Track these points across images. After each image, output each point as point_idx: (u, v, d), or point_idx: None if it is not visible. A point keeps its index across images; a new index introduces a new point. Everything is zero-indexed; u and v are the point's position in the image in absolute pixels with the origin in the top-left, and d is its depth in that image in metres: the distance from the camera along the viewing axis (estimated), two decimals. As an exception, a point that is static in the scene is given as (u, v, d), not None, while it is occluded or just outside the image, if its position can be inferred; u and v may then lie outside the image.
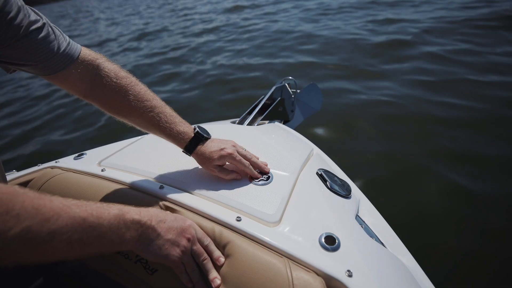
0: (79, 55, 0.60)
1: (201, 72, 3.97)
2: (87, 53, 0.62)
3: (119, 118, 0.67)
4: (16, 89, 5.19)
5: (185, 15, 8.61)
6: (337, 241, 0.52)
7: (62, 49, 0.57)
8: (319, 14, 5.70)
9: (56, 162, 0.81)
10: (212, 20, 7.29)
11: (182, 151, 0.67)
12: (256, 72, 3.54)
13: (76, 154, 0.85)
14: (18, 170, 0.82)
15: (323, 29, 4.67)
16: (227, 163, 0.67)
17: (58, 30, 0.58)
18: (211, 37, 5.69)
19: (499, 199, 1.45)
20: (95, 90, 0.63)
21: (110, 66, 0.63)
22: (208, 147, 0.66)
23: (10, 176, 0.79)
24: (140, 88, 0.65)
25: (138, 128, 0.68)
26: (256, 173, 0.68)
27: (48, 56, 0.55)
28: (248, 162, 0.67)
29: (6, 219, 0.31)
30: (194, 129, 0.67)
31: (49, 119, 3.59)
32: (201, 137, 0.66)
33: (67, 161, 0.81)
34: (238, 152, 0.66)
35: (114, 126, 3.00)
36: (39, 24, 0.53)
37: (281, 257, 0.49)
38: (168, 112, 0.66)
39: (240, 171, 0.68)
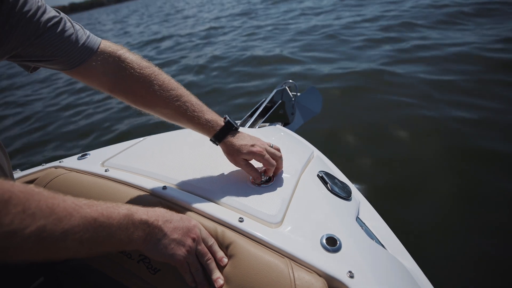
0: (98, 47, 0.60)
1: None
2: (108, 45, 0.61)
3: (145, 109, 0.66)
4: (22, 89, 5.21)
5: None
6: (338, 242, 0.52)
7: (81, 42, 0.57)
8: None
9: (60, 162, 0.82)
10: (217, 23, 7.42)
11: (210, 140, 0.67)
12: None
13: (80, 154, 0.86)
14: (22, 170, 0.83)
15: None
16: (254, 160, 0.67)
17: (78, 25, 0.59)
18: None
19: (503, 198, 1.46)
20: (118, 82, 0.62)
21: (132, 57, 0.63)
22: (239, 139, 0.66)
23: (14, 175, 0.80)
24: (164, 77, 0.64)
25: (165, 118, 0.67)
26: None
27: (68, 49, 0.56)
28: (274, 162, 0.67)
29: (22, 218, 0.32)
30: (225, 118, 0.67)
31: (53, 119, 3.61)
32: (231, 127, 0.66)
33: (71, 161, 0.82)
34: (266, 151, 0.67)
35: (118, 127, 3.03)
36: (57, 19, 0.54)
37: (283, 257, 0.50)
38: (195, 101, 0.65)
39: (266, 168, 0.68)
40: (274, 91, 1.28)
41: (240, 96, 3.21)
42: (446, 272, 1.20)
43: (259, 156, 0.65)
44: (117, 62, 0.61)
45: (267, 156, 0.66)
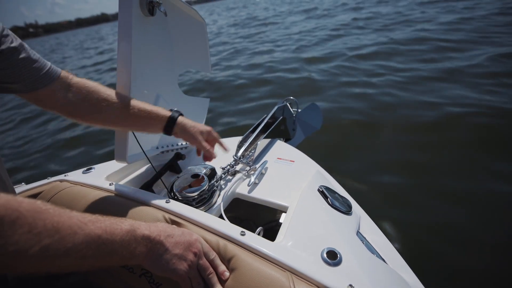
0: (59, 75, 0.66)
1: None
2: (67, 74, 0.68)
3: (99, 124, 0.73)
4: (24, 106, 5.30)
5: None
6: (338, 256, 0.53)
7: (46, 68, 0.64)
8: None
9: (65, 175, 0.83)
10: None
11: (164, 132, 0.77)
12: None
13: (85, 168, 0.88)
14: (27, 183, 0.84)
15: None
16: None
17: (37, 54, 0.65)
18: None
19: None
20: (77, 107, 0.68)
21: (91, 84, 0.70)
22: (187, 122, 0.79)
23: (19, 188, 0.81)
24: (110, 91, 0.72)
25: (120, 127, 0.75)
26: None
27: (34, 73, 0.61)
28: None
29: (28, 237, 0.33)
30: (170, 110, 0.78)
31: (59, 133, 3.65)
32: (175, 116, 0.77)
33: (76, 175, 0.84)
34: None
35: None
36: (19, 46, 0.59)
37: (284, 271, 0.50)
38: (138, 104, 0.74)
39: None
40: (275, 107, 1.31)
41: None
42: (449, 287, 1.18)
43: (208, 135, 0.81)
44: (77, 89, 0.68)
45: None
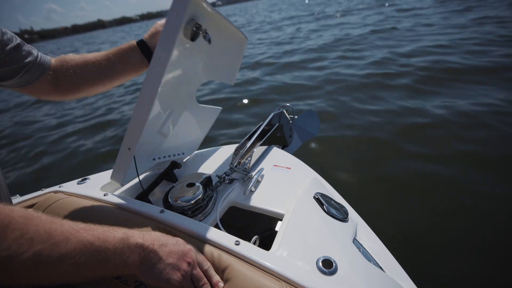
0: (50, 62, 0.72)
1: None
2: (55, 60, 0.74)
3: (97, 88, 0.78)
4: (23, 113, 5.30)
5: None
6: (334, 264, 0.52)
7: (38, 58, 0.68)
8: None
9: (59, 186, 0.83)
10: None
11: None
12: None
13: (80, 179, 0.87)
14: (21, 195, 0.84)
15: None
16: None
17: (27, 45, 0.69)
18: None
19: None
20: (64, 83, 0.73)
21: (72, 57, 0.75)
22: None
23: (13, 200, 0.80)
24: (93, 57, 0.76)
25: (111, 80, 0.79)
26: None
27: (29, 67, 0.66)
28: None
29: (20, 243, 0.33)
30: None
31: (52, 144, 3.65)
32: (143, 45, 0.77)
33: (71, 186, 0.83)
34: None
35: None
36: (17, 42, 0.64)
37: (279, 281, 0.50)
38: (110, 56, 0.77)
39: None
40: (272, 114, 1.31)
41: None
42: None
43: None
44: (63, 67, 0.73)
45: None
